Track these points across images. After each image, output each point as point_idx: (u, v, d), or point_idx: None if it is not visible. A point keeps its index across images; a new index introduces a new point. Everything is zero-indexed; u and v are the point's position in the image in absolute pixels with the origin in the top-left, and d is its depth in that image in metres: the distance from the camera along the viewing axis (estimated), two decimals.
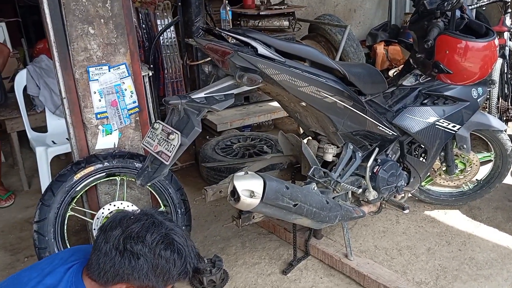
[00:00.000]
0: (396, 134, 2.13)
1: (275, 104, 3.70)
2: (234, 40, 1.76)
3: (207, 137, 3.61)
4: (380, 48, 4.68)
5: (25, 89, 3.05)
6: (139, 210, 1.26)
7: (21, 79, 3.02)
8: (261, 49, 1.69)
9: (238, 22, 3.76)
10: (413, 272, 2.25)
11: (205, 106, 1.68)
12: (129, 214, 1.21)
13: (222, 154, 3.12)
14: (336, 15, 4.84)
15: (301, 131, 3.63)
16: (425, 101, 2.20)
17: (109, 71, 2.12)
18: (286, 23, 3.71)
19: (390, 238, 2.52)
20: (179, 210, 2.24)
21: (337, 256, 2.26)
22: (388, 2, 5.48)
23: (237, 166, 2.65)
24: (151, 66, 3.06)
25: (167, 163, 1.65)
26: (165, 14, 3.20)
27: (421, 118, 2.16)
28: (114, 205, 2.16)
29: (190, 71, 3.52)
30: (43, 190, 2.80)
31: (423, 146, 2.27)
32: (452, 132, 2.24)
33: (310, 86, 1.77)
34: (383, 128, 2.06)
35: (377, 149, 2.11)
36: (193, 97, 1.67)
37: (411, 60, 2.25)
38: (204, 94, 1.69)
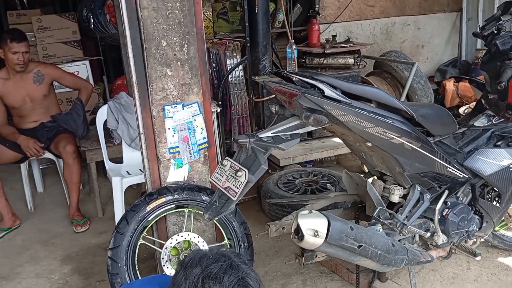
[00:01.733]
0: (467, 176, 2.05)
1: (338, 140, 3.66)
2: (302, 83, 1.83)
3: (270, 171, 3.67)
4: (450, 85, 4.55)
5: (105, 122, 3.31)
6: (217, 250, 1.33)
7: (102, 114, 3.29)
8: (328, 91, 1.74)
9: (304, 60, 3.85)
10: None
11: (272, 145, 1.74)
12: (208, 254, 1.28)
13: (284, 189, 3.16)
14: (402, 51, 4.80)
15: (365, 168, 3.59)
16: (499, 143, 2.11)
17: (183, 109, 2.26)
18: (351, 60, 3.74)
19: (460, 285, 2.39)
20: (242, 244, 2.29)
21: None
22: (458, 38, 5.36)
23: (300, 202, 2.66)
24: (219, 102, 3.21)
25: (234, 199, 1.71)
26: (234, 54, 3.36)
27: (494, 160, 2.07)
28: (182, 236, 2.25)
29: (255, 108, 3.64)
30: (116, 217, 2.99)
31: (496, 190, 2.16)
32: None
33: (376, 127, 1.78)
34: (453, 170, 2.00)
35: (446, 192, 2.04)
36: (260, 136, 1.74)
37: (483, 101, 2.19)
38: (271, 133, 1.76)
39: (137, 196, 3.42)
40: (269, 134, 1.75)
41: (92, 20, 4.80)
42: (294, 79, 1.86)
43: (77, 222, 3.27)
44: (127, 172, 3.20)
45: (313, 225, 1.62)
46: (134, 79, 2.19)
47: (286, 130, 1.77)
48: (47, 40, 4.72)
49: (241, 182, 1.71)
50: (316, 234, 1.62)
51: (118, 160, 3.38)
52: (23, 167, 3.56)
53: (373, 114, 1.78)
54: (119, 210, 2.99)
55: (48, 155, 3.46)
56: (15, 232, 3.27)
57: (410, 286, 2.16)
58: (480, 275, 2.46)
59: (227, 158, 1.83)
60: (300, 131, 1.77)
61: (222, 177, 1.80)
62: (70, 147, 3.22)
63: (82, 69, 4.59)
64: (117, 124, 3.25)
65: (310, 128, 1.78)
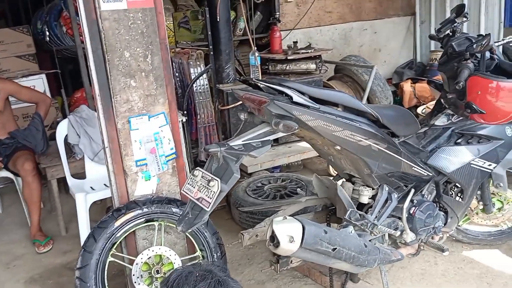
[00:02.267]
0: (431, 174, 2.13)
1: (304, 144, 3.73)
2: (269, 89, 1.83)
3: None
4: (407, 86, 4.71)
5: (65, 137, 3.19)
6: (201, 266, 1.31)
7: (63, 129, 3.17)
8: (296, 97, 1.76)
9: (267, 67, 3.88)
10: None
11: (243, 153, 1.74)
12: (193, 271, 1.26)
13: (253, 196, 3.15)
14: (361, 55, 4.93)
15: (332, 171, 3.65)
16: (459, 141, 2.20)
17: (149, 120, 2.22)
18: (313, 66, 3.80)
19: (429, 281, 2.46)
20: (214, 255, 2.26)
21: None
22: (413, 40, 5.56)
23: (272, 209, 2.67)
24: (185, 112, 3.17)
25: (208, 209, 1.70)
26: (198, 63, 3.34)
27: (456, 157, 2.15)
28: (153, 250, 2.20)
29: (221, 116, 3.62)
30: (81, 235, 2.89)
31: (459, 186, 2.25)
32: (488, 171, 2.22)
33: (345, 131, 1.81)
34: (418, 168, 2.06)
35: (413, 190, 2.10)
36: (231, 144, 1.74)
37: (442, 100, 2.28)
38: (242, 141, 1.76)
39: (102, 212, 3.32)
40: (239, 142, 1.75)
41: (47, 33, 4.64)
42: (261, 86, 1.86)
43: (39, 243, 3.13)
44: (91, 187, 3.10)
45: (288, 231, 1.63)
46: (97, 91, 2.13)
47: (257, 137, 1.77)
48: (0, 54, 4.54)
49: (214, 192, 1.69)
50: (291, 240, 1.62)
51: (80, 175, 3.26)
52: None
53: (341, 118, 1.81)
54: (84, 227, 2.88)
55: (5, 173, 3.30)
56: None
57: (382, 285, 2.21)
58: (447, 269, 2.55)
59: (198, 168, 1.80)
60: (271, 137, 1.78)
61: (194, 187, 1.77)
62: (29, 165, 3.09)
63: (39, 83, 4.43)
64: (79, 139, 3.15)
65: (280, 134, 1.78)
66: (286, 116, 1.72)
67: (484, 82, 2.05)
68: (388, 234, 2.13)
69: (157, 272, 2.17)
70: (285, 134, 1.80)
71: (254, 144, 1.76)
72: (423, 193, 2.20)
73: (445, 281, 2.44)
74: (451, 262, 2.60)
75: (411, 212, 2.12)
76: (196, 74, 3.29)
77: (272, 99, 1.72)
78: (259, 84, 1.87)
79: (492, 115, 2.11)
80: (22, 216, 3.58)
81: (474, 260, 2.60)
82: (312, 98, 1.82)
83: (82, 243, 2.16)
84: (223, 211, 3.45)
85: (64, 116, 4.04)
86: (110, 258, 2.12)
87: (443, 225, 2.24)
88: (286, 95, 1.77)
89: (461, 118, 2.22)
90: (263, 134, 1.79)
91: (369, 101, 4.37)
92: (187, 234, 2.27)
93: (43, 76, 4.56)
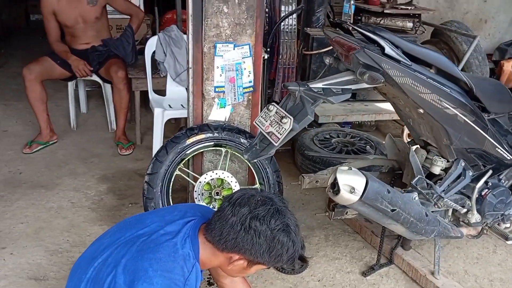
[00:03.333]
0: None
1: (381, 105, 3.60)
2: (361, 37, 1.76)
3: (307, 127, 3.64)
4: (508, 65, 4.30)
5: (153, 54, 3.33)
6: (263, 192, 1.38)
7: (151, 45, 3.30)
8: (388, 49, 1.68)
9: (360, 18, 3.70)
10: None
11: (321, 97, 1.71)
12: (256, 195, 1.33)
13: (319, 146, 3.15)
14: (464, 23, 4.53)
15: (405, 138, 3.51)
16: None
17: (234, 49, 2.24)
18: (410, 24, 3.57)
19: (483, 267, 2.38)
20: (273, 190, 2.33)
21: (423, 272, 2.19)
22: None
23: (337, 160, 2.66)
24: (268, 49, 3.15)
25: (276, 144, 1.72)
26: (290, 1, 3.26)
27: None
28: (216, 173, 2.31)
29: (303, 60, 3.56)
30: (154, 147, 3.08)
31: None
32: None
33: (433, 94, 1.71)
34: (502, 150, 1.93)
35: (490, 172, 1.99)
36: (311, 86, 1.72)
37: None
38: (323, 84, 1.73)
39: (174, 131, 3.48)
40: (320, 85, 1.72)
41: None
42: (354, 32, 1.79)
43: (122, 145, 3.39)
44: (169, 105, 3.25)
45: (350, 182, 1.62)
46: (190, 11, 2.17)
47: (338, 84, 1.73)
48: None
49: (285, 129, 1.70)
50: (352, 190, 1.62)
51: (161, 92, 3.43)
52: (70, 86, 3.68)
53: (431, 80, 1.72)
54: (157, 140, 3.07)
55: (95, 78, 3.54)
56: (57, 146, 3.43)
57: (433, 259, 2.17)
58: (505, 260, 2.44)
59: (273, 103, 1.82)
60: (353, 87, 1.73)
61: (266, 121, 1.80)
62: (122, 73, 3.28)
63: None
64: (165, 57, 3.26)
65: (364, 86, 1.73)
66: (374, 67, 1.66)
67: None
68: (452, 210, 2.06)
69: (217, 194, 2.29)
70: (369, 86, 1.74)
71: (334, 90, 1.73)
72: (500, 177, 2.07)
73: (500, 271, 2.35)
74: (511, 254, 2.48)
75: (483, 193, 2.01)
76: (287, 12, 3.21)
77: (363, 47, 1.65)
78: (351, 30, 1.80)
79: None
80: (103, 120, 3.88)
81: None
82: (405, 53, 1.72)
83: (154, 154, 2.31)
84: (287, 154, 3.49)
85: (154, 34, 4.17)
86: (177, 172, 2.26)
87: None
88: (379, 45, 1.69)
89: None
90: (346, 81, 1.74)
91: None
92: (250, 165, 2.34)
93: None
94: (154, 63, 3.38)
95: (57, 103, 4.13)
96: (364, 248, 2.47)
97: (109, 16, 3.74)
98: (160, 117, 3.04)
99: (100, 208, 2.69)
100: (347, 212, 1.98)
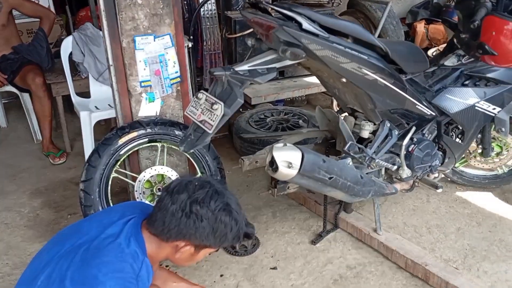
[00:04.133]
0: (434, 114, 2.13)
1: (309, 79, 3.71)
2: (279, 15, 1.79)
3: (241, 109, 3.67)
4: (421, 27, 4.57)
5: (70, 55, 3.16)
6: (200, 177, 1.39)
7: (67, 46, 3.13)
8: (306, 24, 1.71)
9: None
10: (441, 250, 2.28)
11: (248, 79, 1.73)
12: (193, 180, 1.33)
13: (256, 127, 3.19)
14: None
15: (335, 108, 3.65)
16: (466, 82, 2.18)
17: (154, 41, 2.19)
18: None
19: (420, 216, 2.55)
20: (215, 178, 2.33)
21: (366, 230, 2.32)
22: None
23: (273, 138, 2.71)
24: (191, 37, 3.11)
25: (210, 132, 1.72)
26: None
27: (461, 99, 2.15)
28: (155, 169, 2.26)
29: (228, 44, 3.55)
30: (86, 152, 2.96)
31: (460, 128, 2.27)
32: (492, 114, 2.22)
33: (352, 63, 1.79)
34: (421, 107, 2.06)
35: (414, 128, 2.12)
36: (236, 69, 1.73)
37: (455, 40, 2.23)
38: (248, 66, 1.74)
39: (105, 133, 3.36)
40: (245, 67, 1.73)
41: None
42: (271, 11, 1.81)
43: (54, 155, 3.23)
44: (95, 107, 3.12)
45: (287, 157, 1.66)
46: (102, 7, 2.08)
47: (263, 63, 1.75)
48: None
49: (217, 115, 1.70)
50: (290, 165, 1.67)
51: (85, 94, 3.28)
52: None
53: (350, 50, 1.78)
54: (88, 145, 2.94)
55: (11, 88, 3.31)
56: None
57: (374, 216, 2.30)
58: (439, 207, 2.63)
59: (201, 91, 1.81)
60: (277, 65, 1.76)
61: (197, 110, 1.79)
62: (39, 79, 3.10)
63: None
64: (83, 57, 3.12)
65: (287, 62, 1.77)
66: (294, 43, 1.69)
67: (500, 23, 1.99)
68: (385, 169, 2.18)
69: (159, 190, 2.26)
70: (292, 62, 1.78)
71: (260, 71, 1.75)
72: (424, 132, 2.22)
73: (435, 218, 2.54)
74: (443, 201, 2.69)
75: (410, 149, 2.15)
76: None
77: (281, 25, 1.68)
78: (268, 9, 1.82)
79: (504, 58, 2.08)
80: (27, 132, 3.66)
81: (467, 200, 2.69)
82: (322, 27, 1.77)
83: (86, 159, 2.22)
84: (225, 139, 3.51)
85: (69, 34, 3.95)
86: (113, 174, 2.20)
87: (440, 164, 2.28)
88: (296, 22, 1.72)
89: (471, 59, 2.19)
90: (270, 61, 1.77)
91: None
92: (189, 156, 2.33)
93: None
94: (73, 64, 3.22)
95: None
96: (310, 218, 2.56)
97: (17, 21, 3.51)
98: (87, 121, 2.91)
99: (37, 225, 2.56)
100: (288, 186, 2.03)
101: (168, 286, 1.67)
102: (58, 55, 3.25)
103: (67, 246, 1.31)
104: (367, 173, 2.04)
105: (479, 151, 2.57)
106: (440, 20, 4.23)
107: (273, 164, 1.69)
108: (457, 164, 2.65)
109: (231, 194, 1.38)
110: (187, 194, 1.30)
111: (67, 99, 3.33)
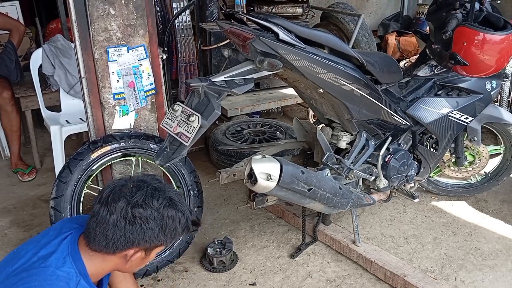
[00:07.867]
0: (409, 124, 2.15)
1: (285, 91, 3.72)
2: (255, 25, 1.78)
3: (217, 122, 3.63)
4: (392, 39, 4.68)
5: (40, 68, 3.07)
6: (133, 177, 1.31)
7: (37, 58, 3.04)
8: (282, 35, 1.71)
9: (252, 8, 3.76)
10: (419, 260, 2.29)
11: (225, 90, 1.70)
12: (126, 184, 1.26)
13: (232, 139, 3.16)
14: (349, 3, 4.81)
15: (311, 119, 3.66)
16: (439, 92, 2.22)
17: (128, 52, 2.14)
18: (299, 10, 3.71)
19: (397, 227, 2.56)
20: (191, 192, 2.27)
21: (345, 242, 2.30)
22: None
23: (250, 151, 2.68)
24: (165, 49, 3.07)
25: (187, 144, 1.68)
26: None
27: (434, 109, 2.18)
28: None
29: (203, 56, 3.53)
30: (56, 168, 2.85)
31: (434, 137, 2.30)
32: (465, 124, 2.26)
33: (329, 73, 1.79)
34: (397, 117, 2.08)
35: (390, 138, 2.13)
36: (213, 80, 1.70)
37: (427, 51, 2.27)
38: (224, 77, 1.72)
39: (77, 148, 3.26)
40: (222, 78, 1.71)
41: None
42: (247, 21, 1.80)
43: (23, 171, 3.11)
44: (66, 121, 3.02)
45: (266, 169, 1.64)
46: (73, 17, 2.03)
47: (240, 74, 1.73)
48: None
49: (193, 127, 1.67)
50: (269, 178, 1.64)
51: (56, 108, 3.18)
52: None
53: (326, 60, 1.79)
54: (59, 160, 2.84)
55: None
56: None
57: (352, 228, 2.29)
58: (415, 217, 2.65)
59: (178, 103, 1.77)
60: (254, 75, 1.75)
61: (173, 122, 1.75)
62: (7, 93, 2.99)
63: (12, 10, 4.17)
64: (54, 70, 3.03)
65: (264, 73, 1.75)
66: (271, 54, 1.68)
67: (470, 33, 2.03)
68: (362, 179, 2.18)
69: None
70: (269, 72, 1.76)
71: (237, 81, 1.73)
72: (399, 142, 2.24)
73: (412, 228, 2.55)
74: (420, 210, 2.71)
75: (386, 159, 2.16)
76: (179, 9, 3.15)
77: (257, 35, 1.67)
78: (244, 19, 1.81)
79: (475, 68, 2.12)
80: None
81: (442, 210, 2.72)
82: (298, 37, 1.77)
83: (57, 175, 2.13)
84: (201, 153, 3.46)
85: (39, 47, 3.85)
86: (86, 190, 2.12)
87: (415, 174, 2.30)
88: (273, 32, 1.72)
89: (444, 69, 2.23)
90: (247, 71, 1.75)
91: None
92: (164, 170, 2.27)
93: (17, 3, 4.29)
94: (43, 77, 3.12)
95: None
96: (289, 231, 2.53)
97: None
98: (57, 135, 2.81)
99: (5, 245, 2.44)
100: (267, 199, 2.00)
101: None
102: (27, 68, 3.15)
103: (4, 274, 1.21)
104: (345, 184, 2.04)
105: (453, 160, 2.61)
106: (411, 32, 4.34)
107: (251, 176, 1.66)
108: (432, 174, 2.68)
109: (169, 187, 1.32)
110: (125, 199, 1.21)
111: (36, 113, 3.23)
